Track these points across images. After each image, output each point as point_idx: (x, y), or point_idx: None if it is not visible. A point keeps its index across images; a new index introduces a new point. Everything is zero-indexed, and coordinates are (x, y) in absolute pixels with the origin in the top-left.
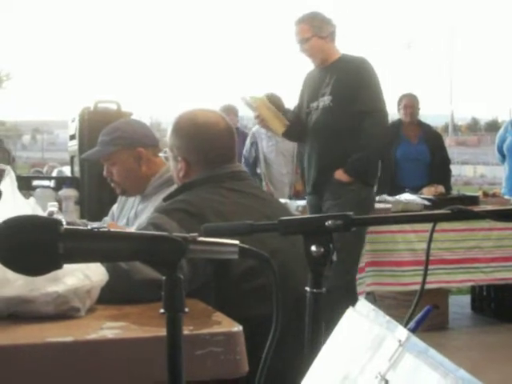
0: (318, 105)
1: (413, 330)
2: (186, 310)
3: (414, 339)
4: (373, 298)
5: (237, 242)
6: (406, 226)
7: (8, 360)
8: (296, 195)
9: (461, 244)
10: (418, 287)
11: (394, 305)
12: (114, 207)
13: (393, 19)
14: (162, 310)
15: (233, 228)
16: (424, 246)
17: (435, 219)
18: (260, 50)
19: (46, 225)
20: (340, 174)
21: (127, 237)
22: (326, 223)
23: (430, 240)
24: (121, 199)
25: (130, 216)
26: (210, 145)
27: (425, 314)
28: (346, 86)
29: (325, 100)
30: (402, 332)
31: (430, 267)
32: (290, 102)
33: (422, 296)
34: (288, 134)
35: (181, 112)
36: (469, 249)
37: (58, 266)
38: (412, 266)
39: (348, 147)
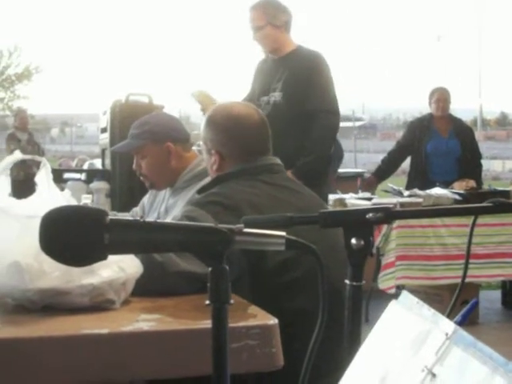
0: (268, 100)
1: (459, 323)
2: (232, 301)
3: (462, 332)
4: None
5: (283, 233)
6: (437, 221)
7: (44, 351)
8: None
9: (492, 239)
10: (448, 281)
11: (423, 299)
12: (145, 199)
13: (423, 12)
14: (207, 302)
15: (272, 220)
16: (454, 240)
17: (476, 212)
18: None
19: (92, 215)
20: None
21: (173, 228)
22: (367, 216)
23: (472, 233)
24: (151, 192)
25: (161, 210)
26: (244, 137)
27: (471, 308)
28: (297, 83)
29: (276, 96)
30: (448, 325)
31: (460, 262)
32: None
33: (454, 291)
34: None
35: (215, 105)
36: (500, 243)
37: (103, 257)
38: (442, 261)
39: (297, 147)
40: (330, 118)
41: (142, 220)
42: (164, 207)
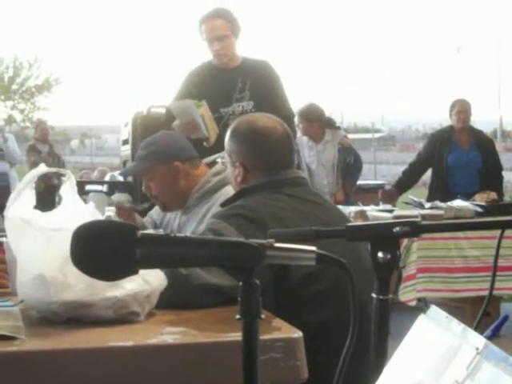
0: (233, 110)
1: (489, 338)
2: (263, 316)
3: (493, 347)
4: (424, 304)
5: (314, 248)
6: (459, 233)
7: (69, 364)
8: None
9: None
10: (469, 294)
11: (446, 311)
12: (154, 211)
13: (443, 23)
14: (238, 316)
15: (298, 234)
16: (475, 253)
17: (504, 226)
18: (309, 54)
19: (124, 230)
20: None
21: (204, 242)
22: (394, 229)
23: (499, 246)
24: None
25: (174, 228)
26: (269, 150)
27: (501, 322)
28: (265, 92)
29: (244, 105)
30: (478, 340)
31: (481, 274)
32: None
33: (475, 303)
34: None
35: (238, 117)
36: None
37: (135, 272)
38: (464, 273)
39: None
40: (294, 123)
41: (172, 235)
42: (177, 224)
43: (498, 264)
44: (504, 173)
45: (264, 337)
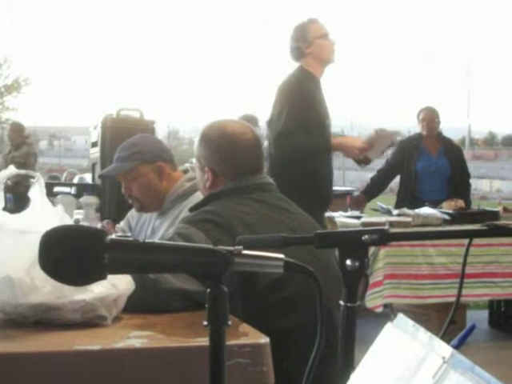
0: (328, 123)
1: (456, 347)
2: (230, 322)
3: (459, 356)
4: (390, 311)
5: (282, 255)
6: (426, 240)
7: (35, 367)
8: None
9: (480, 259)
10: (434, 301)
11: (411, 318)
12: (130, 216)
13: (411, 30)
14: (205, 323)
15: (266, 240)
16: (442, 259)
17: (471, 235)
18: (279, 61)
19: (92, 235)
20: None
21: (173, 248)
22: (363, 237)
23: (466, 255)
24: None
25: (148, 232)
26: (237, 156)
27: (468, 332)
28: None
29: (329, 119)
30: (445, 349)
31: (448, 281)
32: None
33: (441, 310)
34: None
35: (208, 122)
36: (487, 263)
37: (103, 277)
38: (430, 280)
39: None
40: None
41: (141, 240)
42: (151, 228)
43: (465, 272)
44: (472, 180)
45: (231, 342)
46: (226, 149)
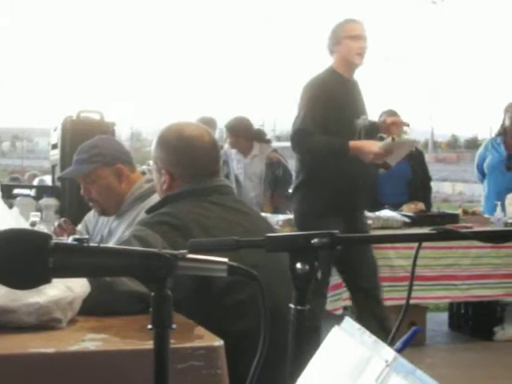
0: (364, 123)
1: (399, 351)
2: (174, 326)
3: (401, 360)
4: (350, 313)
5: (225, 259)
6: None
7: None
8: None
9: (439, 261)
10: (394, 303)
11: None
12: (88, 218)
13: (373, 33)
14: (149, 326)
15: (219, 243)
16: (402, 262)
17: (421, 239)
18: (240, 63)
19: (37, 239)
20: None
21: (117, 252)
22: (312, 241)
23: (415, 260)
24: (94, 213)
25: (104, 233)
26: (194, 158)
27: (412, 335)
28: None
29: (365, 118)
30: (388, 352)
31: (406, 283)
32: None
33: (398, 312)
34: None
35: (166, 125)
36: (447, 266)
37: (47, 281)
38: (389, 282)
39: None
40: None
41: (85, 244)
42: (107, 230)
43: (424, 274)
44: (434, 183)
45: (185, 345)
46: (183, 151)
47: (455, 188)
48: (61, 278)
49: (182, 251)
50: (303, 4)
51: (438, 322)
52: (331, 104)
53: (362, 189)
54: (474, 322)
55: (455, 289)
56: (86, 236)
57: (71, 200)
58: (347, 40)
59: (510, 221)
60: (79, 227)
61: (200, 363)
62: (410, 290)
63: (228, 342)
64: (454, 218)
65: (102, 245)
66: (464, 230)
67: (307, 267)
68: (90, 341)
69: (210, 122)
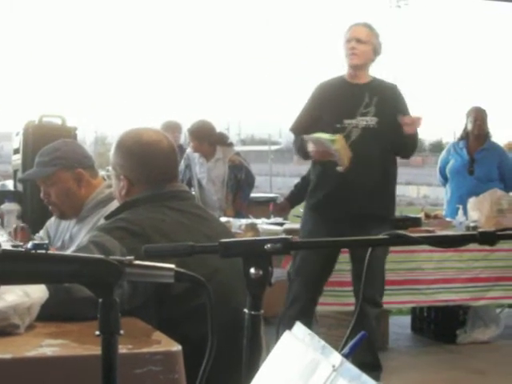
0: (357, 123)
1: (347, 356)
2: (122, 332)
3: (348, 365)
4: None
5: (172, 266)
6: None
7: None
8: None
9: (402, 265)
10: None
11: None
12: (49, 224)
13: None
14: (97, 332)
15: (174, 249)
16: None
17: (372, 244)
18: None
19: None
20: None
21: (64, 259)
22: (266, 246)
23: (367, 265)
24: (56, 219)
25: (65, 239)
26: (153, 164)
27: (359, 340)
28: (391, 111)
29: (367, 120)
30: (336, 357)
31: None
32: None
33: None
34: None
35: (124, 130)
36: (410, 270)
37: None
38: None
39: (389, 173)
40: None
41: (32, 251)
42: (69, 235)
43: (388, 278)
44: (399, 187)
45: (143, 350)
46: (141, 157)
47: (420, 191)
48: (8, 284)
49: (128, 257)
50: (303, 4)
51: (400, 326)
52: (318, 104)
53: (361, 189)
54: (436, 325)
55: (419, 293)
56: (46, 241)
57: (33, 205)
58: (344, 44)
59: (471, 224)
60: (41, 233)
61: (158, 368)
62: (361, 296)
63: (189, 347)
64: (416, 222)
65: (48, 251)
66: (415, 235)
67: (261, 272)
68: (48, 346)
69: (174, 127)
